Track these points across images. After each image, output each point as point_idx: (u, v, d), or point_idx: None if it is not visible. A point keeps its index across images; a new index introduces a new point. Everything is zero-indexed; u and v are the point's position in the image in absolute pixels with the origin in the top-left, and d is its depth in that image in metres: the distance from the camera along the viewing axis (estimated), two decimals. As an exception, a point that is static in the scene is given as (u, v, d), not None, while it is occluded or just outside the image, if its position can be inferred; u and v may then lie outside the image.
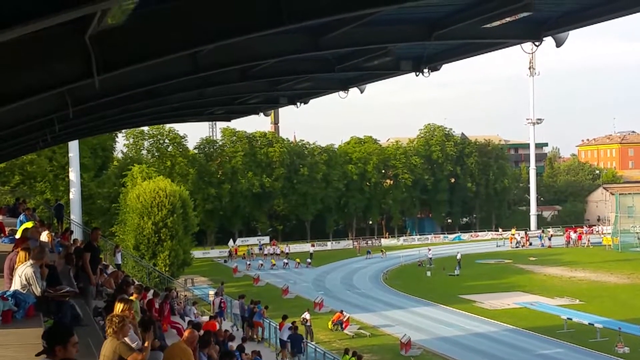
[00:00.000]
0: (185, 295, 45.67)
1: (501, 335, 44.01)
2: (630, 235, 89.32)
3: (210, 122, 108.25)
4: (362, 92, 17.42)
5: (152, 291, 26.28)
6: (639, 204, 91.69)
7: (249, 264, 76.47)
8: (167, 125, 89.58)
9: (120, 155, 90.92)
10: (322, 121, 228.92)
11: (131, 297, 14.07)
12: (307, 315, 42.97)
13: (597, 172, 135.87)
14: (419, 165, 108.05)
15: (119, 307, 10.57)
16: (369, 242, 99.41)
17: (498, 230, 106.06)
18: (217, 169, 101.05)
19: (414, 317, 49.11)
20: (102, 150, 74.82)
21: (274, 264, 77.60)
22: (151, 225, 58.08)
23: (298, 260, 78.69)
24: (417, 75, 14.61)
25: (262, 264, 76.82)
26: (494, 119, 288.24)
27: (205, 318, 31.14)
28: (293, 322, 35.07)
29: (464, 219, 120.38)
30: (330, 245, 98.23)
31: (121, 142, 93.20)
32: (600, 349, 39.03)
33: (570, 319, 44.74)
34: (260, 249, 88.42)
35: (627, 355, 37.44)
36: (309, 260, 78.55)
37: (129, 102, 15.67)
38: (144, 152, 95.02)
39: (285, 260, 79.57)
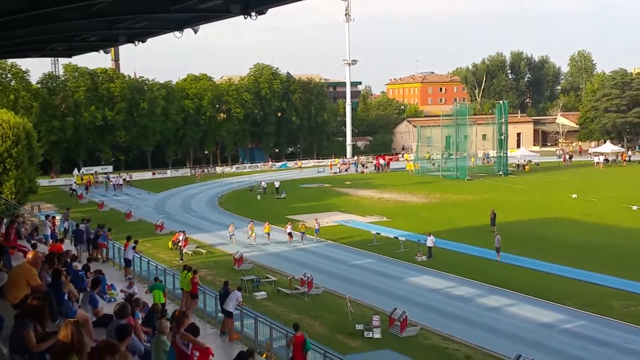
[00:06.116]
0: (32, 221, 43.61)
1: (322, 249, 45.43)
2: (428, 162, 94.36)
3: (53, 59, 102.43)
4: (195, 32, 16.99)
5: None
6: (436, 134, 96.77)
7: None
8: (9, 60, 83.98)
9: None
10: (160, 62, 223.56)
11: None
12: (180, 237, 43.22)
13: (402, 107, 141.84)
14: (250, 101, 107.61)
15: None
16: (206, 170, 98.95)
17: (319, 158, 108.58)
18: (60, 103, 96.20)
19: (246, 236, 49.51)
20: (-59, 84, 69.03)
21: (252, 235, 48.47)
22: (-5, 156, 54.71)
23: (303, 229, 48.76)
24: (245, 18, 14.40)
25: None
26: (316, 60, 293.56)
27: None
28: (135, 241, 34.44)
29: (290, 149, 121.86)
30: (169, 173, 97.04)
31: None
32: (403, 258, 41.38)
33: (379, 234, 46.94)
34: (107, 178, 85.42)
35: (424, 263, 39.99)
36: (317, 227, 48.28)
37: (-32, 37, 14.51)
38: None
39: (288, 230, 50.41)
